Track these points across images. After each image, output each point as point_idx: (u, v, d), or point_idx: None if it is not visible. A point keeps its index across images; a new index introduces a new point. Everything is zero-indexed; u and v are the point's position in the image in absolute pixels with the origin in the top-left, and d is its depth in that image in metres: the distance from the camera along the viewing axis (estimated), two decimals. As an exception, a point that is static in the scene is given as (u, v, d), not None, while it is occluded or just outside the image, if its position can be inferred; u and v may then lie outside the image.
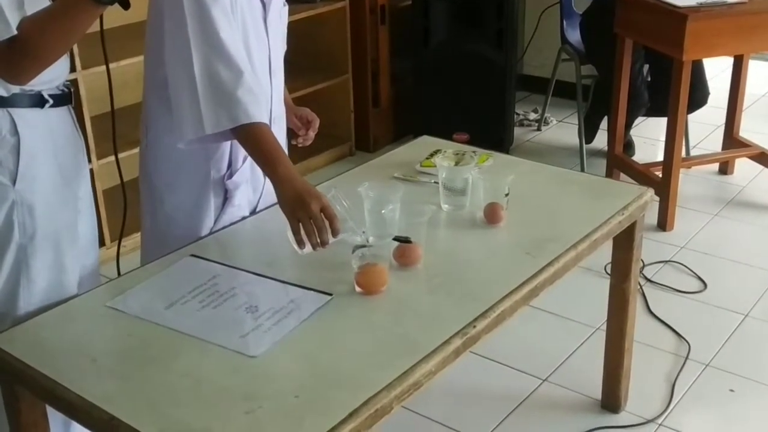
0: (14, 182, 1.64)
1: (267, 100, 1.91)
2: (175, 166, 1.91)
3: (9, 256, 1.67)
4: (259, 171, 1.97)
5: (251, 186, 1.98)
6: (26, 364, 1.47)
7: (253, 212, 2.01)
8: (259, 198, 2.01)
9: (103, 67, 1.77)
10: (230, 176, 1.93)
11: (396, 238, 1.76)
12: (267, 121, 1.82)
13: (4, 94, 1.61)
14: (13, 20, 1.52)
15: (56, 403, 1.46)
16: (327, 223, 1.68)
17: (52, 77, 1.67)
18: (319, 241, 1.68)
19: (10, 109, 1.62)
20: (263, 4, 1.87)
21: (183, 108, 1.75)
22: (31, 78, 1.59)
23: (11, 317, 1.68)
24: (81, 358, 1.49)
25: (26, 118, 1.65)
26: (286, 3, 2.01)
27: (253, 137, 1.76)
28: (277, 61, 1.96)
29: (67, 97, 1.75)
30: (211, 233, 1.92)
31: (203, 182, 1.92)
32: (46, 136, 1.69)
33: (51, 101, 1.69)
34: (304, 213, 1.68)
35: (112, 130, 1.90)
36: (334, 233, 1.70)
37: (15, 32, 1.52)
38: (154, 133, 1.91)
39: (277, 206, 1.81)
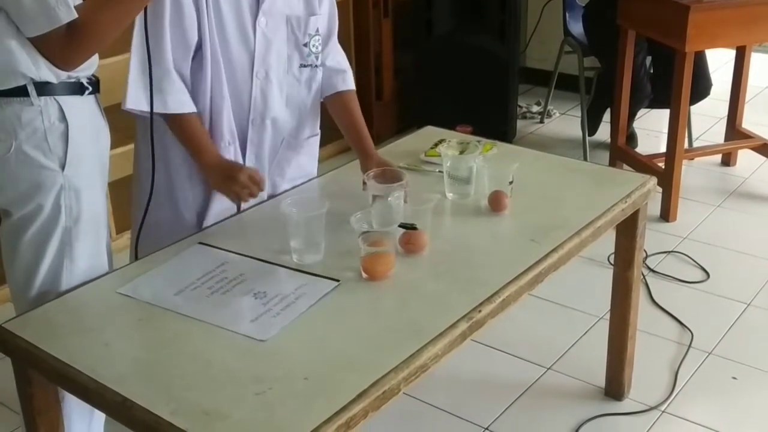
0: (63, 167, 1.70)
1: (246, 99, 1.95)
2: (161, 143, 1.94)
3: (55, 238, 1.72)
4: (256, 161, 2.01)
5: None
6: (39, 348, 1.49)
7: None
8: None
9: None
10: None
11: (402, 225, 1.78)
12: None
13: (54, 81, 1.66)
14: (73, 5, 1.58)
15: (70, 386, 1.48)
16: (256, 187, 1.89)
17: (90, 64, 1.73)
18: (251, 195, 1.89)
19: (57, 97, 1.68)
20: (257, 2, 1.90)
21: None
22: (82, 62, 1.66)
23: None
24: (93, 343, 1.51)
25: (71, 104, 1.70)
26: (316, 15, 2.00)
27: (178, 126, 1.89)
28: (269, 66, 1.96)
29: (98, 84, 1.80)
30: (204, 228, 1.95)
31: (189, 163, 1.96)
32: (88, 122, 1.75)
33: (89, 89, 1.74)
34: (234, 184, 1.87)
35: (150, 118, 1.92)
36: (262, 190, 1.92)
37: (77, 15, 1.58)
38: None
39: (281, 197, 1.85)
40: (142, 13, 1.76)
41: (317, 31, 2.02)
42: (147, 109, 1.84)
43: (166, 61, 1.84)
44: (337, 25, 2.09)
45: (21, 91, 1.64)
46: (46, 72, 1.64)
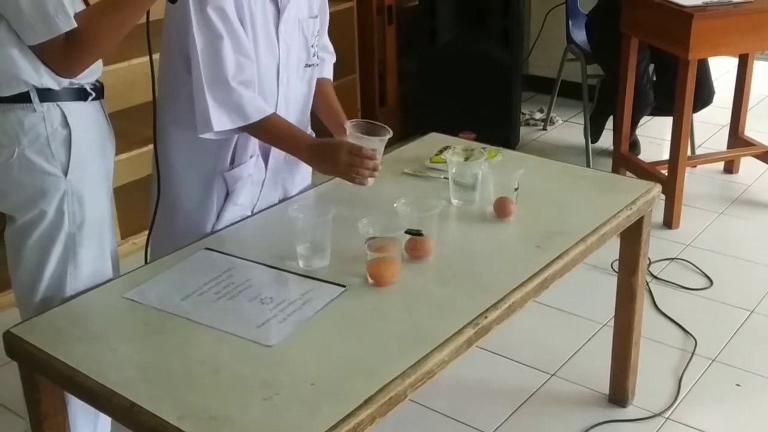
0: (66, 173, 1.70)
1: (272, 107, 1.95)
2: (183, 155, 1.95)
3: (59, 244, 1.73)
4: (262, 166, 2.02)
5: (256, 184, 2.01)
6: (47, 353, 1.49)
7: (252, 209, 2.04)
8: (258, 195, 2.04)
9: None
10: (230, 170, 1.97)
11: (408, 231, 1.78)
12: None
13: (56, 87, 1.67)
14: (72, 14, 1.59)
15: (77, 391, 1.48)
16: (362, 159, 1.84)
17: (93, 71, 1.73)
18: (370, 171, 1.86)
19: (60, 103, 1.68)
20: (278, 10, 1.91)
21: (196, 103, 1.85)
22: (83, 70, 1.66)
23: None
24: (100, 347, 1.51)
25: (74, 110, 1.71)
26: (316, 16, 2.03)
27: (264, 131, 1.88)
28: (290, 71, 1.98)
29: (102, 90, 1.81)
30: (214, 231, 1.95)
31: (208, 175, 1.96)
32: (91, 128, 1.75)
33: (93, 94, 1.75)
34: (341, 168, 1.85)
35: (153, 128, 1.95)
36: (375, 158, 1.86)
37: (75, 25, 1.59)
38: (164, 123, 1.95)
39: (287, 202, 1.89)
40: (195, 45, 1.79)
41: (318, 31, 2.05)
42: (231, 126, 1.84)
43: (227, 79, 1.83)
44: (328, 17, 2.12)
45: (24, 98, 1.64)
46: (48, 79, 1.65)
